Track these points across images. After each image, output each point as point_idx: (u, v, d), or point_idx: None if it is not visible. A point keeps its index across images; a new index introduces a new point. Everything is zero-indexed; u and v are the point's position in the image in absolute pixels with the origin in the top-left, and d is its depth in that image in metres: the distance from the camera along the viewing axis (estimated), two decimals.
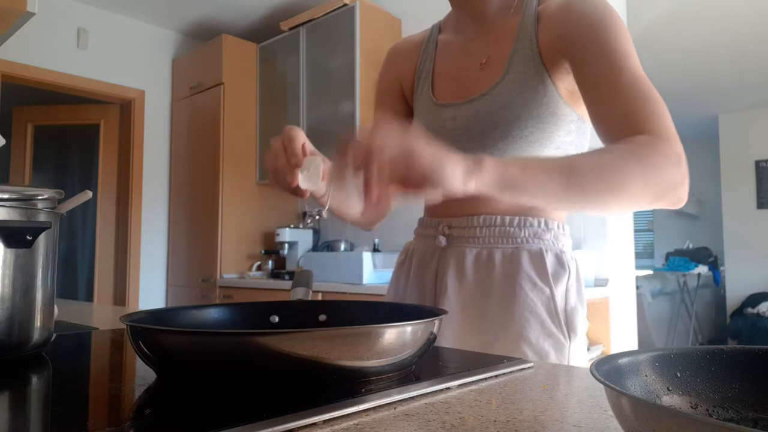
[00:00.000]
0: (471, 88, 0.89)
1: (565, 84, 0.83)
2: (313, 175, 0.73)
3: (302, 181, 0.72)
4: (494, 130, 0.84)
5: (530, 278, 0.86)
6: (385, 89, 1.06)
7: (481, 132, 0.86)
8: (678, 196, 0.69)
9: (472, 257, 0.89)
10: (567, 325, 0.85)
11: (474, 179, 0.60)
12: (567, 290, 0.87)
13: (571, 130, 0.85)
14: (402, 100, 1.05)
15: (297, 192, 0.73)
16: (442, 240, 0.92)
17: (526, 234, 0.87)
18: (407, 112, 1.05)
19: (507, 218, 0.88)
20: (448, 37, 0.98)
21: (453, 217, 0.92)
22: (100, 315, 1.25)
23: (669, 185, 0.68)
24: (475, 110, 0.87)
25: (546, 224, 0.88)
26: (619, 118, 0.72)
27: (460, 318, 0.89)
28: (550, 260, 0.87)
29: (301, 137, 0.72)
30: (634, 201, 0.68)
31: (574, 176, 0.65)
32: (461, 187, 0.60)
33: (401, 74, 1.04)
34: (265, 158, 0.74)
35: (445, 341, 0.88)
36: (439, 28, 1.02)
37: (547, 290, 0.85)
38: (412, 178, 0.57)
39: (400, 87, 1.04)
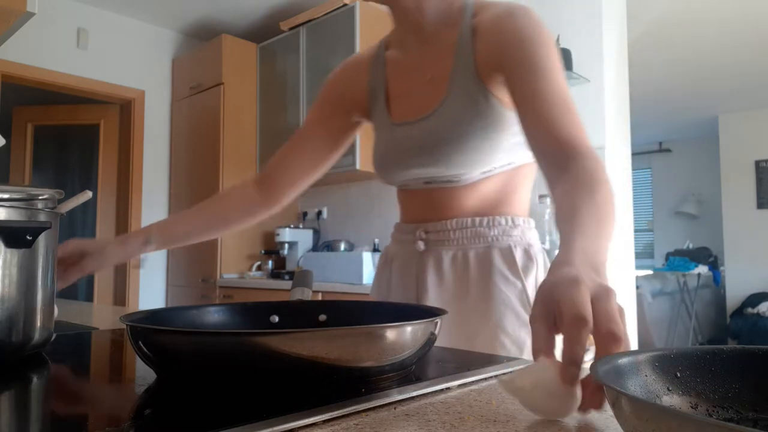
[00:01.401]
0: (422, 105, 0.93)
1: (502, 94, 0.88)
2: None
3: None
4: (447, 146, 0.89)
5: (503, 274, 0.92)
6: (327, 106, 1.08)
7: (435, 148, 0.90)
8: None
9: (449, 259, 0.95)
10: None
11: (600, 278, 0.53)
12: (536, 281, 0.93)
13: (516, 132, 0.88)
14: (344, 117, 1.07)
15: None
16: (421, 245, 0.98)
17: (496, 233, 0.94)
18: (346, 128, 1.08)
19: (477, 219, 0.94)
20: (394, 54, 1.01)
21: (428, 222, 0.97)
22: (100, 315, 1.25)
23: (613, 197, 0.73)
24: (428, 128, 0.92)
25: (513, 221, 0.94)
26: (554, 133, 0.78)
27: None
28: (519, 255, 0.93)
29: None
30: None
31: (606, 227, 0.65)
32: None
33: (351, 90, 1.06)
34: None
35: None
36: (384, 45, 1.05)
37: (519, 283, 0.92)
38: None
39: (346, 105, 1.07)
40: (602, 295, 0.46)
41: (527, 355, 0.88)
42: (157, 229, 1.03)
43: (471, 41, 0.89)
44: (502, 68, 0.85)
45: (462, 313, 0.93)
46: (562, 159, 0.75)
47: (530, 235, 0.97)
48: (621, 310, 0.46)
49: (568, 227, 0.62)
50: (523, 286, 0.92)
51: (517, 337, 0.90)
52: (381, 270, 1.08)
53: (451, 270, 0.95)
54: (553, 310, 0.47)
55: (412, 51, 0.97)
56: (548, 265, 0.94)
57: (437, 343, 0.86)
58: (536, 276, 0.93)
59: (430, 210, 0.97)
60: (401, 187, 1.02)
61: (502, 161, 0.91)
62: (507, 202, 0.95)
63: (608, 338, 0.42)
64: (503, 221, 0.94)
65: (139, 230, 1.03)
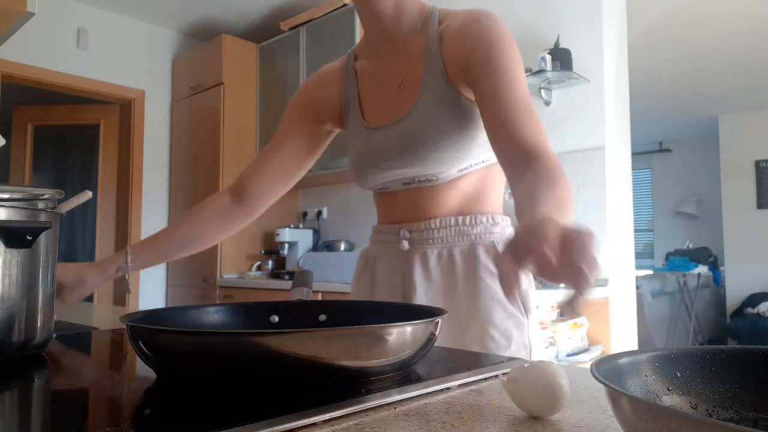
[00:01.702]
0: (395, 109, 0.96)
1: (471, 95, 0.91)
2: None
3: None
4: (424, 145, 0.92)
5: (488, 269, 0.95)
6: (299, 113, 1.10)
7: (412, 149, 0.93)
8: None
9: (435, 257, 0.98)
10: (524, 305, 0.96)
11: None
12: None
13: None
14: (315, 125, 1.09)
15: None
16: (405, 244, 0.99)
17: (479, 230, 0.97)
18: (318, 136, 1.10)
19: (460, 218, 0.97)
20: (365, 64, 1.04)
21: (411, 222, 0.99)
22: (100, 315, 1.25)
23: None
24: (403, 130, 0.94)
25: (493, 219, 0.98)
26: (515, 137, 0.82)
27: None
28: (502, 250, 0.93)
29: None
30: None
31: (566, 205, 0.72)
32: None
33: (322, 101, 1.08)
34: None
35: None
36: (354, 55, 1.07)
37: None
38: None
39: (318, 113, 1.08)
40: (572, 229, 0.50)
41: (514, 345, 0.92)
42: (133, 251, 1.03)
43: (438, 47, 0.93)
44: (467, 71, 0.88)
45: (450, 308, 0.95)
46: (523, 160, 0.80)
47: (509, 231, 1.01)
48: (589, 236, 0.50)
49: (529, 211, 0.67)
50: None
51: (505, 329, 0.93)
52: (361, 272, 1.09)
53: (438, 267, 0.97)
54: (521, 249, 0.52)
55: (383, 59, 1.01)
56: None
57: (435, 343, 0.87)
58: None
59: (411, 210, 1.00)
60: (379, 190, 1.04)
61: (478, 158, 0.94)
62: (484, 199, 0.99)
63: (577, 266, 0.48)
64: (484, 219, 0.97)
65: (115, 254, 1.03)
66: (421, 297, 0.97)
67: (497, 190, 1.01)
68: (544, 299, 2.20)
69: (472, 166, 0.95)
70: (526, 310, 0.96)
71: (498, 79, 0.84)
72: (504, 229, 1.00)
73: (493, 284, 0.94)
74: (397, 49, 0.98)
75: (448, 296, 0.96)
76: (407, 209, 1.00)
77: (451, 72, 0.91)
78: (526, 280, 0.98)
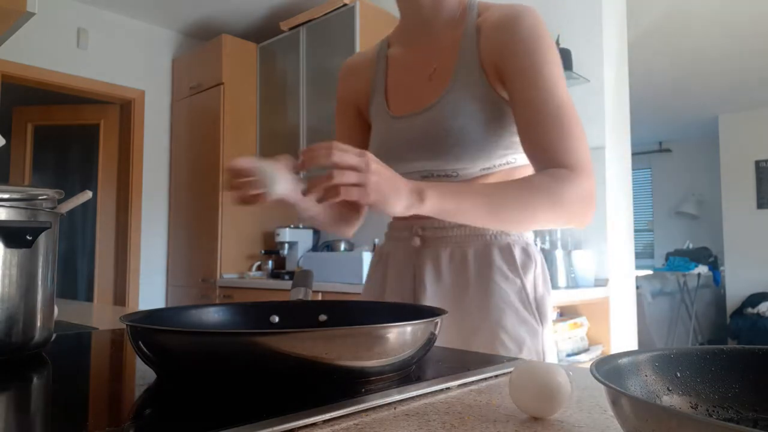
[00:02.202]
0: (422, 99, 0.94)
1: (505, 92, 0.89)
2: (272, 180, 0.78)
3: (265, 187, 0.78)
4: (447, 138, 0.89)
5: (502, 271, 0.92)
6: (343, 108, 1.10)
7: (435, 141, 0.90)
8: (582, 222, 0.82)
9: (447, 256, 0.95)
10: (538, 312, 0.92)
11: (415, 209, 0.72)
12: (535, 279, 0.93)
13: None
14: (359, 116, 1.09)
15: (257, 199, 0.80)
16: (417, 241, 0.97)
17: (494, 231, 0.94)
18: (365, 127, 1.09)
19: None
20: (397, 51, 1.03)
21: (425, 220, 0.96)
22: (100, 315, 1.25)
23: (573, 216, 0.80)
24: (427, 121, 0.91)
25: None
26: (542, 148, 0.81)
27: None
28: (518, 253, 0.93)
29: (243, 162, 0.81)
30: (543, 226, 0.83)
31: (495, 210, 0.78)
32: (403, 213, 0.72)
33: (355, 91, 1.07)
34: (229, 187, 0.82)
35: None
36: (387, 42, 1.06)
37: (518, 281, 0.92)
38: (361, 197, 0.67)
39: (356, 104, 1.08)
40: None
41: (525, 352, 0.89)
42: None
43: (475, 39, 0.90)
44: (502, 71, 0.86)
45: (461, 311, 0.92)
46: (547, 167, 0.81)
47: (527, 234, 0.97)
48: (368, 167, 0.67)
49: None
50: (522, 283, 0.92)
51: (516, 334, 0.90)
52: (374, 269, 1.07)
53: (449, 268, 0.94)
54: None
55: (416, 47, 0.98)
56: (545, 264, 0.97)
57: (437, 343, 0.87)
58: (535, 274, 0.93)
59: None
60: None
61: (502, 159, 0.91)
62: None
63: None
64: None
65: None
66: (431, 297, 0.95)
67: None
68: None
69: (496, 167, 0.91)
70: (541, 317, 0.92)
71: (532, 85, 0.82)
72: (522, 231, 0.96)
73: (506, 287, 0.91)
74: (433, 38, 0.96)
75: (458, 298, 0.93)
76: None
77: (486, 65, 0.88)
78: (544, 285, 0.95)
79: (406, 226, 1.00)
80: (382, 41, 1.07)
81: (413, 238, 0.97)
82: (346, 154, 0.67)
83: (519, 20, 0.85)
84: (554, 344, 0.97)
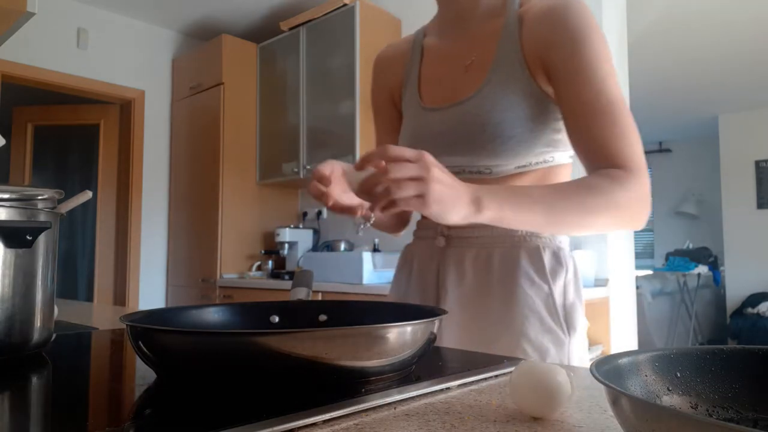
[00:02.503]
0: (457, 91, 0.90)
1: (549, 86, 0.84)
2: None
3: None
4: (481, 134, 0.84)
5: (528, 276, 0.87)
6: (378, 101, 1.08)
7: (469, 135, 0.86)
8: (638, 225, 0.78)
9: (471, 257, 0.90)
10: (566, 322, 0.86)
11: (472, 218, 0.68)
12: (565, 287, 0.88)
13: (560, 128, 0.85)
14: (395, 109, 1.06)
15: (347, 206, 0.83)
16: (441, 241, 0.93)
17: (523, 232, 0.88)
18: (398, 116, 1.06)
19: None
20: (433, 41, 0.98)
21: None
22: (100, 315, 1.25)
23: (632, 220, 0.76)
24: (462, 114, 0.87)
25: None
26: (594, 147, 0.77)
27: (461, 317, 0.89)
28: (547, 257, 0.88)
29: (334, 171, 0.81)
30: (601, 231, 0.78)
31: (554, 216, 0.73)
32: (459, 223, 0.68)
33: (389, 82, 1.04)
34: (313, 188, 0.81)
35: (447, 341, 0.88)
36: (423, 32, 1.02)
37: (546, 287, 0.87)
38: (422, 208, 0.63)
39: (390, 95, 1.05)
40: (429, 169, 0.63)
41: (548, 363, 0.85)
42: None
43: (517, 30, 0.85)
44: (548, 64, 0.81)
45: (483, 315, 0.88)
46: (600, 167, 0.76)
47: (561, 238, 0.91)
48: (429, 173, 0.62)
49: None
50: (550, 290, 0.86)
51: (540, 344, 0.84)
52: (401, 268, 1.03)
53: (473, 270, 0.90)
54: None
55: (453, 37, 0.94)
56: (578, 271, 0.91)
57: (447, 344, 0.87)
58: (565, 281, 0.88)
59: None
60: None
61: (540, 157, 0.86)
62: None
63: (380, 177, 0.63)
64: None
65: None
66: (452, 299, 0.90)
67: None
68: None
69: (532, 165, 0.86)
70: (568, 327, 0.86)
71: (582, 80, 0.77)
72: (555, 234, 0.90)
73: (532, 293, 0.86)
74: (471, 28, 0.91)
75: (480, 301, 0.88)
76: None
77: (529, 58, 0.83)
78: (575, 293, 0.89)
79: (431, 225, 0.96)
80: (418, 31, 1.03)
81: (438, 237, 0.93)
82: (404, 166, 0.62)
83: (566, 10, 0.80)
84: (585, 356, 0.89)
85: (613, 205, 0.73)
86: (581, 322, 0.88)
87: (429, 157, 0.64)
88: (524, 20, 0.85)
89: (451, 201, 0.64)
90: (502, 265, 0.88)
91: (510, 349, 0.84)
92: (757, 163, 5.84)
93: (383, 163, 0.63)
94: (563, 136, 0.86)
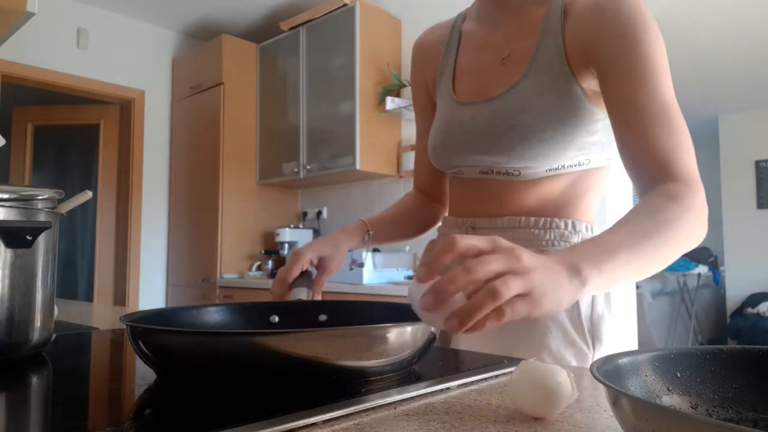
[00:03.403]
0: (491, 85, 0.85)
1: (592, 85, 0.78)
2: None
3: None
4: (511, 133, 0.79)
5: None
6: (416, 90, 1.03)
7: (499, 134, 0.81)
8: (699, 242, 0.70)
9: None
10: (591, 334, 0.81)
11: (579, 296, 0.54)
12: (594, 297, 0.83)
13: (596, 130, 0.80)
14: (429, 99, 1.01)
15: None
16: None
17: (552, 236, 0.83)
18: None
19: (532, 219, 0.83)
20: (471, 28, 0.93)
21: (477, 217, 0.88)
22: (100, 315, 1.25)
23: (697, 240, 0.68)
24: (493, 111, 0.82)
25: (573, 226, 0.83)
26: (648, 156, 0.70)
27: None
28: None
29: (293, 274, 0.83)
30: (674, 259, 0.68)
31: (644, 260, 0.61)
32: (568, 305, 0.54)
33: (426, 72, 1.00)
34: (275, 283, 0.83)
35: (465, 346, 0.86)
36: (464, 16, 0.97)
37: None
38: (531, 311, 0.48)
39: (425, 84, 1.01)
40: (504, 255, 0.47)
41: None
42: (371, 227, 0.96)
43: (561, 21, 0.79)
44: (594, 61, 0.74)
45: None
46: (653, 180, 0.69)
47: None
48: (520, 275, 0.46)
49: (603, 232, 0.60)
50: (577, 301, 0.79)
51: (560, 356, 0.80)
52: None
53: None
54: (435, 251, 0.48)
55: (492, 26, 0.89)
56: None
57: (465, 348, 0.86)
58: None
59: (481, 203, 0.87)
60: (453, 173, 0.92)
61: (573, 160, 0.80)
62: (572, 207, 0.84)
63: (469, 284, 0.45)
64: (562, 225, 0.82)
65: (355, 225, 0.96)
66: None
67: (590, 199, 0.85)
68: None
69: (565, 168, 0.80)
70: (594, 340, 0.81)
71: (634, 80, 0.70)
72: (585, 239, 0.83)
73: None
74: (511, 18, 0.86)
75: None
76: (477, 202, 0.88)
77: (571, 54, 0.77)
78: (605, 305, 0.83)
79: (456, 222, 0.91)
80: (459, 14, 0.97)
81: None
82: (485, 260, 0.46)
83: (619, 2, 0.73)
84: None
85: (685, 232, 0.65)
86: (609, 334, 0.82)
87: (505, 242, 0.49)
88: (569, 12, 0.79)
89: (554, 286, 0.49)
90: None
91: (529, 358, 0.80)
92: (757, 163, 5.84)
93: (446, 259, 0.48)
94: (599, 138, 0.81)
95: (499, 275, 0.46)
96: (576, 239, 0.83)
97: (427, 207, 1.07)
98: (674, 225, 0.63)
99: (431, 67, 0.98)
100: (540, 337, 0.81)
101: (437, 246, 0.48)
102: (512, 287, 0.45)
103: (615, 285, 0.60)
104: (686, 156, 0.69)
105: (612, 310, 0.83)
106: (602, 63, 0.73)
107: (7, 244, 0.61)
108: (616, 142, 0.75)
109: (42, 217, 0.66)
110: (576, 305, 0.82)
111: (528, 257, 0.48)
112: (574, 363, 0.80)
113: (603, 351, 0.81)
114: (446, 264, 0.47)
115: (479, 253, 0.47)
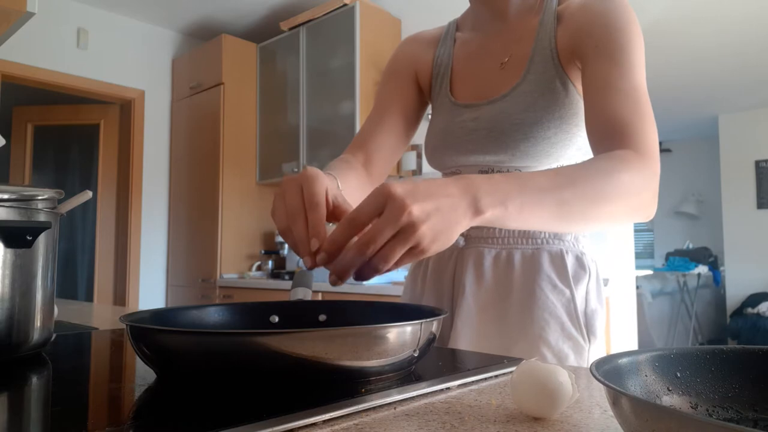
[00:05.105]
0: (492, 88, 0.88)
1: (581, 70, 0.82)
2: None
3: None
4: (516, 132, 0.83)
5: (550, 280, 0.85)
6: (396, 70, 1.01)
7: (503, 133, 0.84)
8: (648, 214, 0.69)
9: (491, 258, 0.88)
10: (587, 327, 0.85)
11: (474, 224, 0.55)
12: (587, 292, 0.86)
13: None
14: (414, 87, 1.00)
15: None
16: (461, 240, 0.90)
17: (546, 235, 0.86)
18: (416, 99, 1.00)
19: None
20: (466, 35, 0.96)
21: None
22: (100, 315, 1.25)
23: (642, 207, 0.68)
24: (497, 111, 0.85)
25: None
26: (607, 122, 0.71)
27: (479, 320, 0.88)
28: (570, 261, 0.86)
29: (323, 198, 0.57)
30: (609, 222, 0.68)
31: (564, 206, 0.60)
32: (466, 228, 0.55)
33: (418, 62, 1.00)
34: (278, 209, 0.58)
35: (464, 343, 0.87)
36: (456, 25, 1.00)
37: (567, 292, 0.85)
38: (422, 255, 0.51)
39: (414, 69, 1.01)
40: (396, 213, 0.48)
41: None
42: (337, 175, 0.88)
43: (554, 27, 0.84)
44: (579, 50, 0.79)
45: (501, 318, 0.86)
46: (611, 147, 0.69)
47: (584, 242, 0.90)
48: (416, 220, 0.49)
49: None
50: (572, 295, 0.85)
51: (559, 350, 0.83)
52: (415, 268, 1.00)
53: (492, 271, 0.87)
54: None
55: (488, 34, 0.92)
56: (600, 277, 0.89)
57: (464, 346, 0.86)
58: (587, 287, 0.86)
59: None
60: (450, 173, 0.94)
61: (572, 159, 0.84)
62: None
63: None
64: None
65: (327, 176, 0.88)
66: (469, 301, 0.88)
67: None
68: None
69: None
70: (589, 333, 0.85)
71: (610, 61, 0.73)
72: (578, 238, 0.88)
73: (553, 297, 0.84)
74: (507, 25, 0.90)
75: (499, 303, 0.86)
76: None
77: (563, 56, 0.82)
78: (597, 299, 0.86)
79: None
80: (450, 23, 1.01)
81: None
82: (373, 239, 0.49)
83: (607, 2, 0.78)
84: None
85: (624, 191, 0.64)
86: (601, 328, 0.86)
87: (396, 194, 0.49)
88: (562, 18, 0.84)
89: (447, 226, 0.51)
90: (523, 267, 0.86)
91: (528, 354, 0.82)
92: (757, 163, 5.84)
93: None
94: None
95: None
96: (569, 237, 0.87)
97: (366, 178, 1.00)
98: (607, 179, 0.62)
99: (423, 61, 0.99)
100: (539, 332, 0.83)
101: (334, 231, 0.53)
102: (397, 251, 0.49)
103: (528, 225, 0.60)
104: (648, 130, 0.70)
105: (603, 306, 0.87)
106: (585, 51, 0.77)
107: (7, 244, 0.61)
108: (585, 118, 0.76)
109: (42, 217, 0.66)
110: (572, 301, 0.84)
111: (419, 207, 0.49)
112: (572, 356, 0.83)
113: (596, 343, 0.85)
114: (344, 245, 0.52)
115: (369, 221, 0.50)
